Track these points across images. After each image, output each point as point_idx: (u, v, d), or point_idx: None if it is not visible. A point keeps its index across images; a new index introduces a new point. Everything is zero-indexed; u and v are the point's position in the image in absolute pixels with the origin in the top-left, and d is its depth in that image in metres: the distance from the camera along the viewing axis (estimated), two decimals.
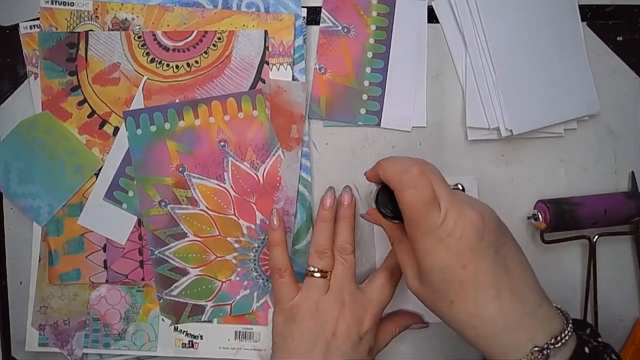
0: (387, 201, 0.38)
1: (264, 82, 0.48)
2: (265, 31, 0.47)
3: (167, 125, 0.47)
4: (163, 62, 0.47)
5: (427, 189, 0.34)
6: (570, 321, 0.35)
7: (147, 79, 0.47)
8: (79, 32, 0.47)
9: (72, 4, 0.47)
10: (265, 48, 0.48)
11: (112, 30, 0.47)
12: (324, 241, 0.44)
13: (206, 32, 0.47)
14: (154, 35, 0.47)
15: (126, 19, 0.47)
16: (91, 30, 0.47)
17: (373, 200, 0.39)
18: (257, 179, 0.48)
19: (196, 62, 0.47)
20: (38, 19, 0.47)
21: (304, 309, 0.42)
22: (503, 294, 0.34)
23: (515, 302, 0.34)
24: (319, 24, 0.49)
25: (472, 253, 0.34)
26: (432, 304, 0.37)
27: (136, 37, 0.47)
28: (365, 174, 0.41)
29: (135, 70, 0.47)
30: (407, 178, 0.35)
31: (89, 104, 0.47)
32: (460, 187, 0.39)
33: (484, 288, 0.34)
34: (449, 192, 0.35)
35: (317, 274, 0.43)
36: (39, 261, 0.48)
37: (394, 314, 0.47)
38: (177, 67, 0.47)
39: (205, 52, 0.47)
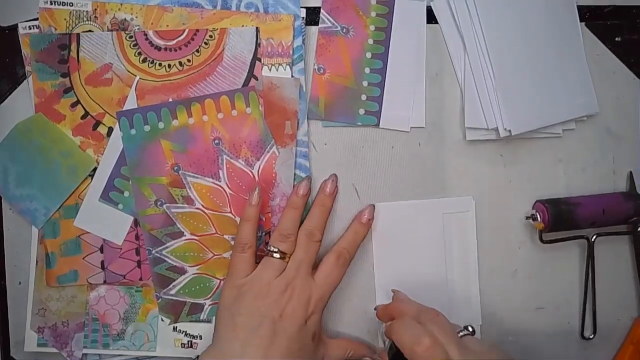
0: None
1: (256, 79, 0.48)
2: (257, 28, 0.47)
3: (161, 125, 0.47)
4: (155, 61, 0.47)
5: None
6: None
7: (140, 78, 0.47)
8: (70, 34, 0.47)
9: (71, 4, 0.47)
10: (257, 45, 0.47)
11: (111, 30, 0.47)
12: (289, 226, 0.44)
13: (197, 30, 0.47)
14: (146, 34, 0.47)
15: (125, 19, 0.47)
16: (90, 30, 0.47)
17: (387, 357, 0.43)
18: (252, 176, 0.48)
19: (188, 60, 0.47)
20: (37, 19, 0.47)
21: (256, 288, 0.43)
22: None
23: None
24: (318, 25, 0.49)
25: None
26: None
27: (127, 37, 0.47)
28: (375, 310, 0.44)
29: (128, 71, 0.47)
30: (419, 350, 0.36)
31: (82, 105, 0.47)
32: (471, 330, 0.40)
33: None
34: (461, 350, 0.36)
35: (277, 255, 0.44)
36: (36, 264, 0.47)
37: (353, 340, 0.48)
38: (169, 66, 0.47)
39: (197, 51, 0.47)
